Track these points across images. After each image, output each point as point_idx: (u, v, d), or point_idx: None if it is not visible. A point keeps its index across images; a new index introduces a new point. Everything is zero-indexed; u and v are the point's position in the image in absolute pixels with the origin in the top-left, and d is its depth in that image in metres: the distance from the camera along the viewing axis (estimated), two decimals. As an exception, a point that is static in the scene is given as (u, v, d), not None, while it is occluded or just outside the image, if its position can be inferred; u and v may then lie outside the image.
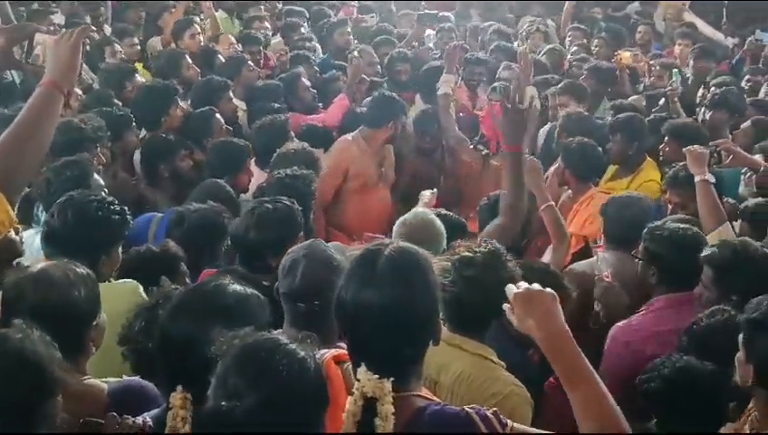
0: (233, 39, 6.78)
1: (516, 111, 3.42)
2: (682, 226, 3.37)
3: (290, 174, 3.68)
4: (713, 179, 3.76)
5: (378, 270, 1.83)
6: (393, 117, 4.96)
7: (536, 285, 1.92)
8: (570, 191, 4.60)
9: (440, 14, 8.83)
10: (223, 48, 6.47)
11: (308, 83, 5.89)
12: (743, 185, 4.18)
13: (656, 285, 3.28)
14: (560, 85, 5.86)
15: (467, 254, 2.57)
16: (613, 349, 3.17)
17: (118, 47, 6.28)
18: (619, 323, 3.25)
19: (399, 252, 1.87)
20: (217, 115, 4.79)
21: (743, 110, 5.39)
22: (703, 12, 9.86)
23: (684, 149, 3.94)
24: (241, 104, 5.57)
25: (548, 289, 1.92)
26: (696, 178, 3.74)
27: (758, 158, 4.20)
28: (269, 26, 7.43)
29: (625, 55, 6.77)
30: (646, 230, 3.34)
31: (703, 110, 5.50)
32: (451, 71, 5.71)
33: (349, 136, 5.03)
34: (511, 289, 1.92)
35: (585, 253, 4.10)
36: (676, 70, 6.46)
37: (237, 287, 1.98)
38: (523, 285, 1.92)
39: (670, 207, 4.06)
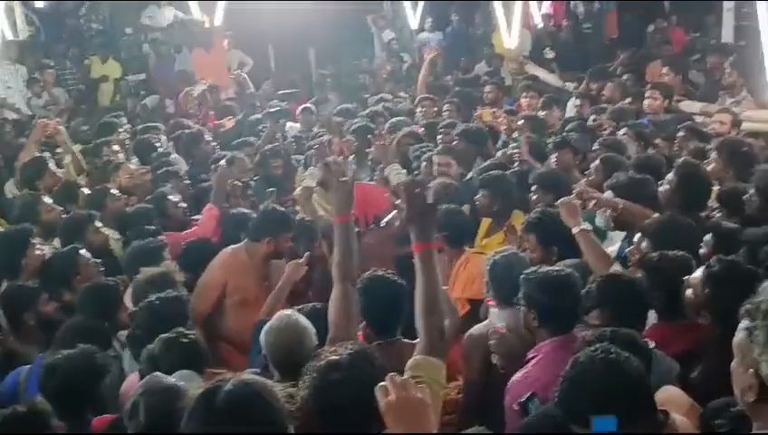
0: (131, 168, 6.59)
1: (424, 204, 2.88)
2: (555, 268, 3.51)
3: (162, 297, 3.59)
4: (590, 227, 3.94)
5: (217, 406, 1.83)
6: (271, 233, 4.70)
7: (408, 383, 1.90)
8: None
9: (304, 105, 9.08)
10: (123, 179, 6.30)
11: (176, 199, 5.85)
12: (599, 216, 4.36)
13: (539, 330, 3.36)
14: (438, 148, 6.07)
15: (333, 357, 2.53)
16: (509, 403, 3.22)
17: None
18: (514, 377, 3.30)
19: (239, 386, 1.88)
20: (81, 251, 4.63)
21: (586, 149, 5.72)
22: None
23: (557, 202, 4.12)
24: (113, 233, 5.45)
25: (419, 394, 1.91)
26: (575, 230, 3.92)
27: (608, 194, 4.41)
28: (118, 148, 7.23)
29: (485, 113, 7.07)
30: (522, 276, 3.45)
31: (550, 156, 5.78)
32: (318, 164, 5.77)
33: (230, 248, 4.87)
34: (381, 396, 1.90)
35: (473, 315, 4.18)
36: (515, 135, 6.69)
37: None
38: (394, 387, 1.91)
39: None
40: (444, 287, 3.18)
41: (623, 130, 6.19)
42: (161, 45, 12.61)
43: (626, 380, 2.49)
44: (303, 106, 9.24)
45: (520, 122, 6.94)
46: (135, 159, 7.39)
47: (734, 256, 3.36)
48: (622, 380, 2.49)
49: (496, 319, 3.69)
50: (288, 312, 3.30)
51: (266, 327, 3.16)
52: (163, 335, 3.26)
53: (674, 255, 3.47)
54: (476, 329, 3.79)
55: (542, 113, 7.48)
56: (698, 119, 6.85)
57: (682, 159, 4.82)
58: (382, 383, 1.91)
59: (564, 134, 5.98)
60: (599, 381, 2.49)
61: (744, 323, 1.91)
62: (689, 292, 3.26)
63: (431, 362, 2.67)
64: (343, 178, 3.36)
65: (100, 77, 11.81)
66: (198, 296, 4.59)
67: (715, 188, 4.60)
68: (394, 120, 7.71)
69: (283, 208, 5.15)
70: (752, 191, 4.13)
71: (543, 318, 3.33)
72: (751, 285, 2.96)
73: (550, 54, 11.24)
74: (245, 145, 7.11)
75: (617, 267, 3.80)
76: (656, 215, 4.14)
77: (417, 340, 2.80)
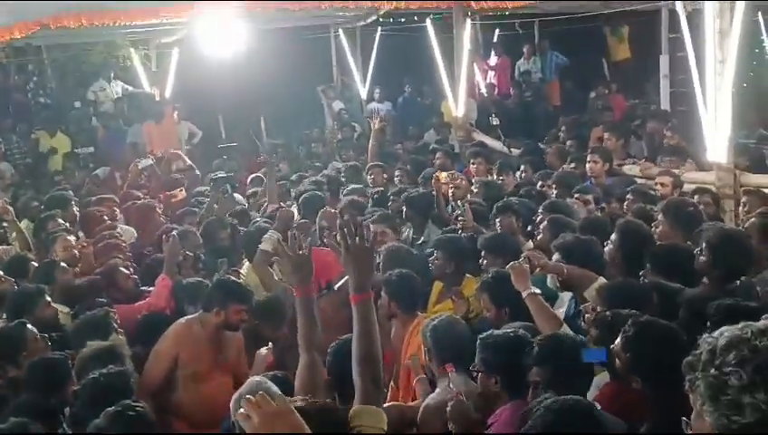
0: (70, 240, 6.45)
1: (362, 249, 2.92)
2: (509, 330, 3.56)
3: (104, 373, 3.53)
4: (538, 291, 4.03)
5: None
6: (221, 303, 4.63)
7: None
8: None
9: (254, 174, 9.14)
10: (59, 251, 6.17)
11: (127, 272, 5.79)
12: (549, 278, 4.45)
13: (499, 394, 3.40)
14: (375, 216, 6.15)
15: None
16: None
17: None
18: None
19: None
20: (29, 326, 4.52)
21: (528, 213, 5.84)
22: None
23: (507, 267, 4.20)
24: (62, 308, 5.34)
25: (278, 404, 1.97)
26: (524, 294, 4.00)
27: (556, 256, 4.52)
28: (62, 222, 7.07)
29: (442, 175, 7.18)
30: (478, 341, 3.48)
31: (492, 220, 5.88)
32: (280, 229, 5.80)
33: (183, 319, 4.79)
34: (243, 421, 1.95)
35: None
36: (459, 202, 6.76)
37: None
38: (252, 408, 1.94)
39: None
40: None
41: (576, 195, 6.36)
42: (111, 118, 12.60)
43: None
44: (254, 175, 9.30)
45: (474, 189, 7.10)
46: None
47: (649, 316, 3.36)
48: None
49: (453, 384, 3.71)
50: (258, 379, 3.30)
51: (236, 395, 3.09)
52: (110, 409, 3.20)
53: (626, 313, 3.51)
54: (433, 398, 3.76)
55: (498, 179, 7.67)
56: (640, 181, 7.07)
57: (623, 219, 4.96)
58: (241, 410, 1.93)
59: (506, 199, 6.08)
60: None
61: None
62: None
63: (370, 411, 2.69)
64: (301, 251, 3.33)
65: (50, 150, 11.73)
66: (149, 368, 4.51)
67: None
68: (349, 187, 7.83)
69: (235, 279, 5.13)
70: (703, 246, 4.23)
71: (505, 381, 3.38)
72: (670, 342, 3.06)
73: (495, 121, 11.55)
74: (188, 214, 7.09)
75: (566, 329, 3.86)
76: (600, 278, 4.24)
77: None
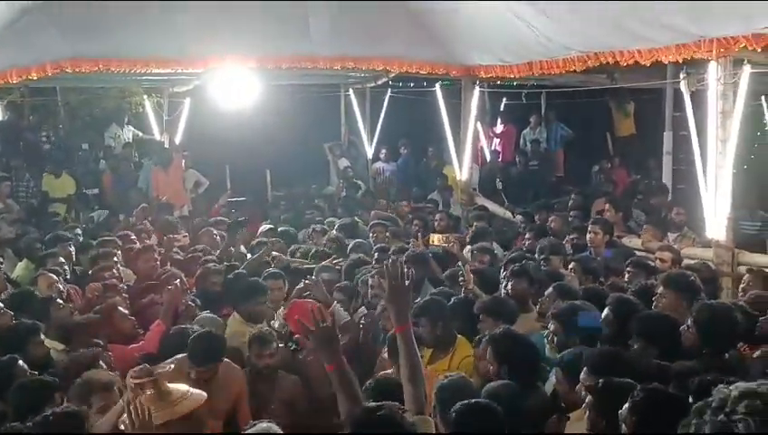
0: (53, 277, 6.49)
1: (402, 287, 3.43)
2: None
3: (57, 412, 3.54)
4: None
5: None
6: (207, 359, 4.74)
7: None
8: None
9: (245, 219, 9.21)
10: (43, 288, 6.21)
11: (126, 312, 5.81)
12: (548, 348, 4.47)
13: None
14: (373, 271, 6.23)
15: None
16: None
17: None
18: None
19: None
20: (20, 362, 4.50)
21: (540, 279, 5.90)
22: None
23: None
24: (57, 345, 5.33)
25: None
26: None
27: (552, 326, 4.56)
28: (63, 261, 7.18)
29: (434, 238, 7.23)
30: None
31: (506, 282, 5.92)
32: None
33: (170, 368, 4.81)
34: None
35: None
36: (459, 264, 6.83)
37: None
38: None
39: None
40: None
41: (571, 265, 6.41)
42: (122, 161, 12.75)
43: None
44: (266, 227, 9.35)
45: (476, 251, 7.16)
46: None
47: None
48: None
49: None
50: (265, 424, 3.32)
51: None
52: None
53: (618, 381, 3.53)
54: None
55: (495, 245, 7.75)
56: (639, 253, 7.13)
57: (615, 294, 4.98)
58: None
59: (523, 262, 6.12)
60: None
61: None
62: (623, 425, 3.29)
63: (425, 420, 3.23)
64: (325, 324, 3.33)
65: (44, 192, 11.83)
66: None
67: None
68: (353, 242, 7.91)
69: (217, 335, 5.08)
70: (689, 322, 4.27)
71: None
72: (675, 410, 3.07)
73: (500, 186, 11.74)
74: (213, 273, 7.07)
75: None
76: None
77: None
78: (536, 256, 6.95)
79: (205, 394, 3.64)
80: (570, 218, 8.83)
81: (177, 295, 5.82)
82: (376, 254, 7.38)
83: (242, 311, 5.91)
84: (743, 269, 6.34)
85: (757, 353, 4.17)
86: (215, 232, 8.66)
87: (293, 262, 7.64)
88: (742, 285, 5.89)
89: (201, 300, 6.24)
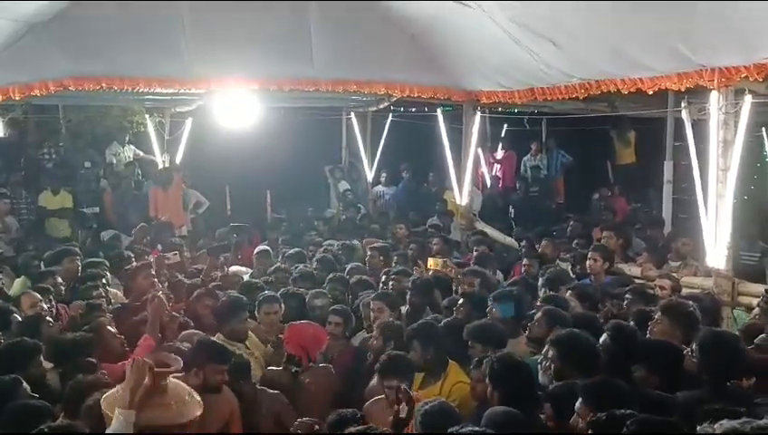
0: (36, 296, 6.48)
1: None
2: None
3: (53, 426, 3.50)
4: None
5: None
6: (199, 363, 4.72)
7: None
8: None
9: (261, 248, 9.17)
10: (26, 307, 6.19)
11: (114, 331, 5.76)
12: (541, 373, 4.41)
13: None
14: (373, 295, 6.23)
15: None
16: None
17: None
18: None
19: None
20: (24, 384, 4.40)
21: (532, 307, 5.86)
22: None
23: None
24: (46, 364, 5.26)
25: None
26: None
27: (551, 352, 4.49)
28: (60, 280, 7.17)
29: (433, 262, 7.20)
30: None
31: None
32: None
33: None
34: None
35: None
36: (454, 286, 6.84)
37: None
38: None
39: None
40: None
41: (568, 293, 6.37)
42: (123, 179, 12.74)
43: None
44: (260, 249, 9.32)
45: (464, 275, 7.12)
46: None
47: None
48: None
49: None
50: None
51: None
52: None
53: (621, 413, 3.42)
54: None
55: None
56: (638, 282, 7.08)
57: (614, 321, 4.95)
58: None
59: (504, 289, 6.11)
60: None
61: None
62: None
63: None
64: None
65: (39, 208, 11.80)
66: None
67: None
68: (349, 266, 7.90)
69: (215, 340, 5.08)
70: (693, 347, 4.21)
71: None
72: None
73: (512, 212, 11.76)
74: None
75: None
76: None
77: None
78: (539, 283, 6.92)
79: (202, 406, 3.64)
80: (573, 245, 8.80)
81: (160, 308, 5.76)
82: (383, 277, 7.33)
83: (225, 331, 5.87)
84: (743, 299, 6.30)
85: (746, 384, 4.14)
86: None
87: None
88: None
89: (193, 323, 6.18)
